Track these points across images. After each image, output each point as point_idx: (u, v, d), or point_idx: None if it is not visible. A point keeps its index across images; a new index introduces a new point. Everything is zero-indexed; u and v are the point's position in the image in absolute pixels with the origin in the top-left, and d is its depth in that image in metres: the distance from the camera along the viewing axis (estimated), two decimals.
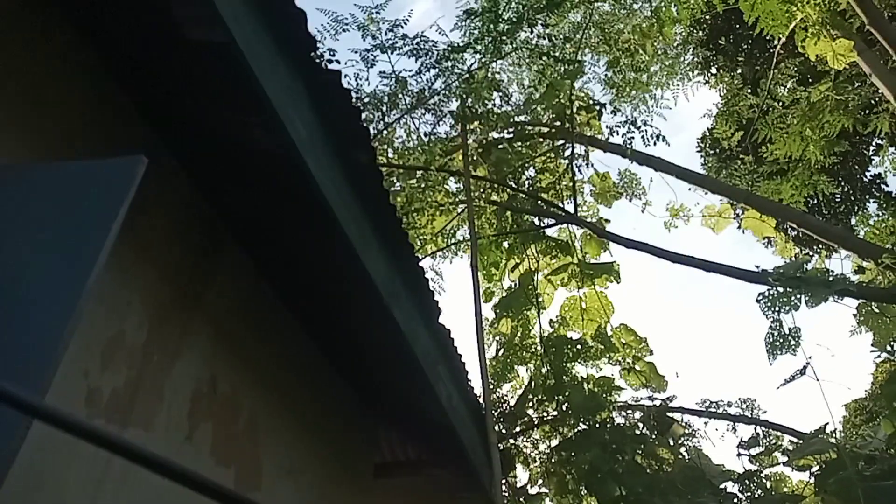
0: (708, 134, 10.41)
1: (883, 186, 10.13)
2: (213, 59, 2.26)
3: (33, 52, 2.22)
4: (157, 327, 2.66)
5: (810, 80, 7.91)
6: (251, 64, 2.14)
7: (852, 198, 10.14)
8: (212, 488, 0.99)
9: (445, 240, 7.16)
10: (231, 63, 2.14)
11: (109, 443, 0.97)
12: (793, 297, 3.58)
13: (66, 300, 1.54)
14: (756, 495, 5.29)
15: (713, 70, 10.03)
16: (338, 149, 2.70)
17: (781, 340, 3.57)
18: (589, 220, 7.06)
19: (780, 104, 7.89)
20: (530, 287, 5.89)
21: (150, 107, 2.65)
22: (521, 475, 7.27)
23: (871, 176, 10.13)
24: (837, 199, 10.04)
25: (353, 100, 2.73)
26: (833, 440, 3.78)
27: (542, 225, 6.21)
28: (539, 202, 6.23)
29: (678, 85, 9.53)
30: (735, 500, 5.09)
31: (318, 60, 2.55)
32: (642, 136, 5.97)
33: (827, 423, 3.76)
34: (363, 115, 2.85)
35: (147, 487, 2.44)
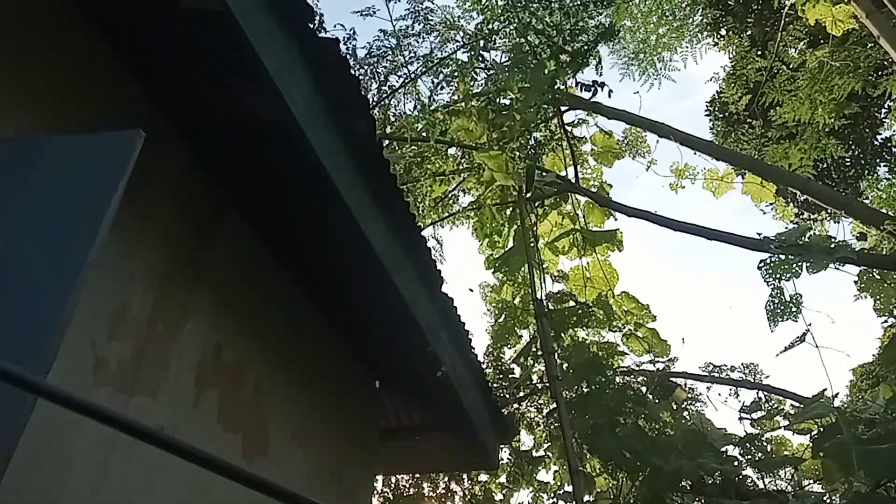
0: (716, 98, 10.27)
1: (894, 150, 9.99)
2: (209, 28, 2.25)
3: (31, 22, 2.21)
4: (161, 297, 2.69)
5: (821, 42, 7.76)
6: (246, 32, 2.14)
7: (862, 162, 10.02)
8: (212, 461, 1.02)
9: (447, 208, 7.15)
10: (226, 31, 2.14)
11: (110, 418, 1.00)
12: (794, 265, 3.58)
13: (68, 273, 1.57)
14: (756, 458, 5.36)
15: (722, 32, 9.85)
16: (336, 118, 2.70)
17: (782, 308, 3.58)
18: (592, 182, 7.03)
19: (789, 67, 7.77)
20: (530, 243, 5.87)
21: (149, 77, 2.65)
22: (526, 439, 7.40)
23: (881, 139, 9.99)
24: (847, 164, 9.93)
25: (351, 68, 2.72)
26: (833, 404, 3.81)
27: (545, 194, 6.18)
28: (541, 170, 6.20)
29: (687, 47, 9.40)
30: (736, 463, 5.15)
31: (314, 28, 2.53)
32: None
33: (826, 389, 3.80)
34: (361, 83, 2.84)
35: (156, 456, 2.51)
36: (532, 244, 6.33)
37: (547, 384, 6.67)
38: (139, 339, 2.55)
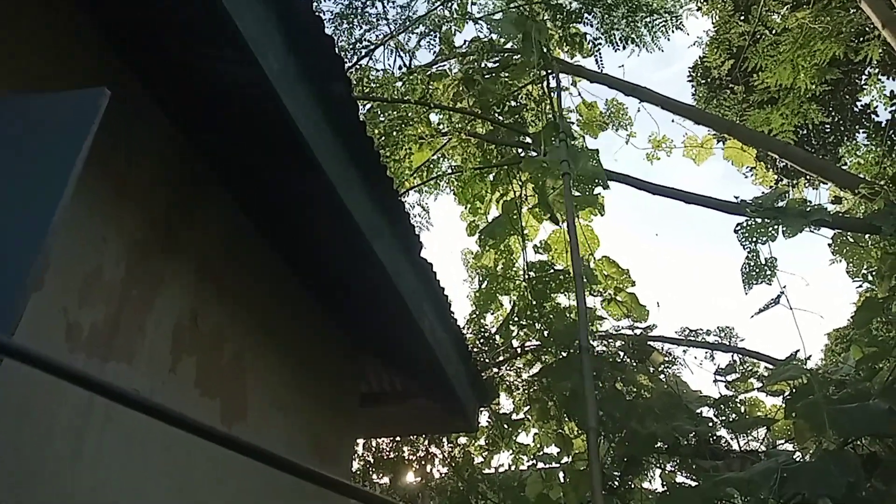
0: (699, 63, 10.23)
1: (873, 116, 10.05)
2: None
3: None
4: (135, 263, 2.66)
5: (804, 6, 7.73)
6: None
7: (842, 128, 10.08)
8: (188, 423, 1.01)
9: (429, 172, 7.12)
10: None
11: (77, 377, 0.99)
12: (770, 228, 3.62)
13: (32, 235, 1.53)
14: (731, 419, 5.49)
15: None
16: (312, 80, 2.64)
17: (757, 270, 3.62)
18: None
19: (772, 31, 7.74)
20: (514, 214, 5.89)
21: (124, 42, 2.57)
22: (505, 402, 7.50)
23: (861, 106, 10.04)
24: (827, 130, 9.98)
25: (327, 29, 2.66)
26: (805, 366, 3.89)
27: (527, 157, 6.17)
28: (523, 134, 6.18)
29: (671, 10, 9.30)
30: (710, 424, 5.27)
31: None
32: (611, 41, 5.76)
33: (798, 350, 3.87)
34: (337, 43, 2.79)
35: (133, 422, 2.50)
36: (515, 214, 6.35)
37: (526, 348, 6.76)
38: (113, 304, 2.53)
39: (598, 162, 5.09)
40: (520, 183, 6.80)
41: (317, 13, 2.59)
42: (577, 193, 6.06)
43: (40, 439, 2.14)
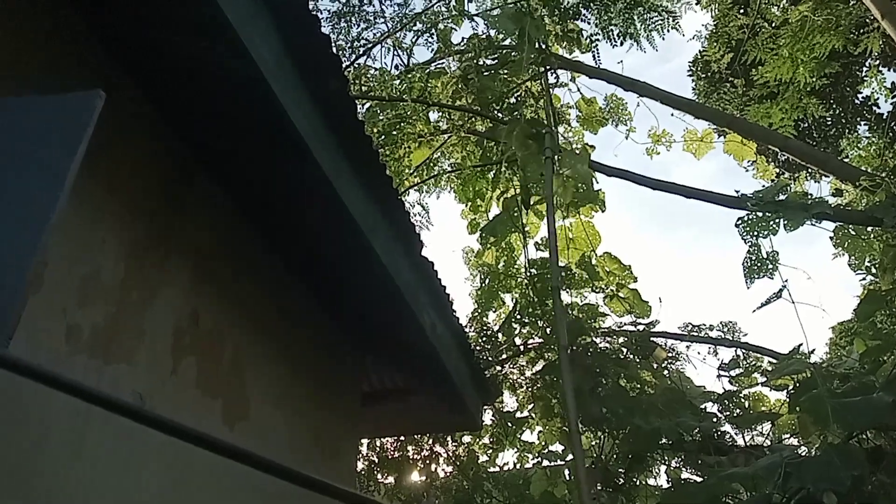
0: (699, 57, 10.20)
1: (874, 108, 10.01)
2: None
3: None
4: (133, 264, 2.65)
5: None
6: None
7: (843, 120, 10.04)
8: (187, 432, 1.00)
9: (429, 171, 7.11)
10: None
11: (72, 388, 0.98)
12: (771, 222, 3.61)
13: (29, 237, 1.53)
14: (735, 414, 5.48)
15: None
16: (307, 77, 2.63)
17: (759, 264, 3.61)
18: (574, 146, 7.00)
19: (771, 24, 7.71)
20: (515, 211, 5.89)
21: (111, 36, 2.56)
22: (509, 400, 7.49)
23: (862, 98, 10.00)
24: (828, 123, 9.95)
25: (323, 27, 2.65)
26: (808, 360, 3.88)
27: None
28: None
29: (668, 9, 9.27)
30: (714, 420, 5.26)
31: None
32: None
33: (801, 344, 3.86)
34: (333, 41, 2.78)
35: (132, 421, 2.49)
36: (516, 211, 6.34)
37: (529, 345, 6.75)
38: (112, 306, 2.52)
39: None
40: (520, 180, 6.78)
41: (312, 11, 2.58)
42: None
43: (37, 441, 2.13)
